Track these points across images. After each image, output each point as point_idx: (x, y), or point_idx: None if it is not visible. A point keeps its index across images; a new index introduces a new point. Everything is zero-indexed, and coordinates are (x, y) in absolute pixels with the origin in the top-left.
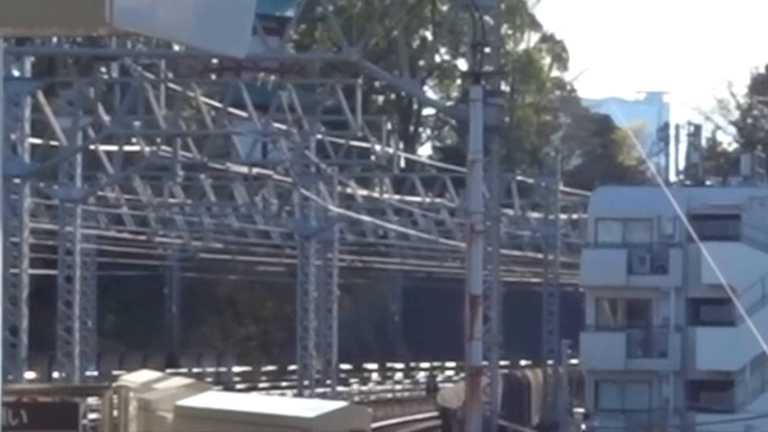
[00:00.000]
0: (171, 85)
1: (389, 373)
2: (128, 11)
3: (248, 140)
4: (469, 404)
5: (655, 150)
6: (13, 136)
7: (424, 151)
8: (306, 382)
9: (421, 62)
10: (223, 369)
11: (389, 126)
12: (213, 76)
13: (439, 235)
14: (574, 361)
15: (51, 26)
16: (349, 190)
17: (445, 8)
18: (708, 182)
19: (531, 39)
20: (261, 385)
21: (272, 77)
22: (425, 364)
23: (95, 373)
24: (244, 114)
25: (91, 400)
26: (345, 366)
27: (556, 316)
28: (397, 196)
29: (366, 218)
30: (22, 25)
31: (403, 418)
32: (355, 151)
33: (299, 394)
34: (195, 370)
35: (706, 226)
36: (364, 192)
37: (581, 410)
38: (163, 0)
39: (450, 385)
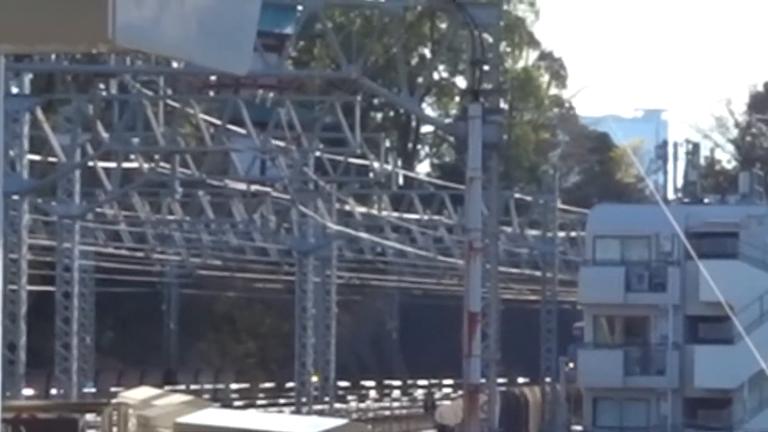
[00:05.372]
0: (170, 101)
1: (387, 390)
2: (130, 28)
3: (247, 157)
4: (467, 422)
5: (654, 168)
6: (11, 153)
7: (423, 168)
8: (304, 399)
9: (420, 79)
10: (220, 386)
11: (388, 143)
12: (211, 93)
13: (438, 252)
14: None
15: (52, 43)
16: (347, 207)
17: (443, 26)
18: (706, 200)
19: (529, 57)
20: (259, 402)
21: (271, 94)
22: (423, 381)
23: (93, 390)
24: (242, 131)
25: (90, 417)
26: (343, 383)
27: (554, 334)
28: (395, 214)
29: (364, 235)
30: (23, 42)
31: None
32: (354, 168)
33: (297, 411)
34: (193, 386)
35: (704, 244)
36: (362, 209)
37: (579, 428)
38: (166, 17)
39: (448, 402)
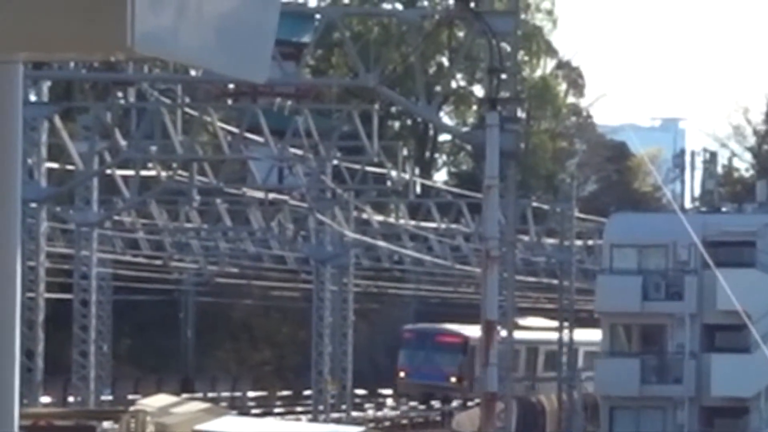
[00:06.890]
0: (187, 109)
1: (404, 399)
2: (149, 36)
3: (264, 165)
4: (484, 429)
5: (671, 177)
6: (29, 161)
7: (440, 176)
8: (321, 407)
9: (438, 88)
10: (237, 393)
11: (405, 152)
12: (229, 101)
13: (455, 260)
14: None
15: (71, 50)
16: (364, 216)
17: (461, 34)
18: (723, 209)
19: (547, 65)
20: (276, 409)
21: (288, 102)
22: None
23: (110, 398)
24: (260, 139)
25: (107, 424)
26: (360, 391)
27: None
28: (412, 222)
29: (381, 243)
30: (41, 50)
31: None
32: (371, 177)
33: (314, 419)
34: (210, 394)
35: (722, 253)
36: (379, 217)
37: None
38: (184, 24)
39: (465, 410)
